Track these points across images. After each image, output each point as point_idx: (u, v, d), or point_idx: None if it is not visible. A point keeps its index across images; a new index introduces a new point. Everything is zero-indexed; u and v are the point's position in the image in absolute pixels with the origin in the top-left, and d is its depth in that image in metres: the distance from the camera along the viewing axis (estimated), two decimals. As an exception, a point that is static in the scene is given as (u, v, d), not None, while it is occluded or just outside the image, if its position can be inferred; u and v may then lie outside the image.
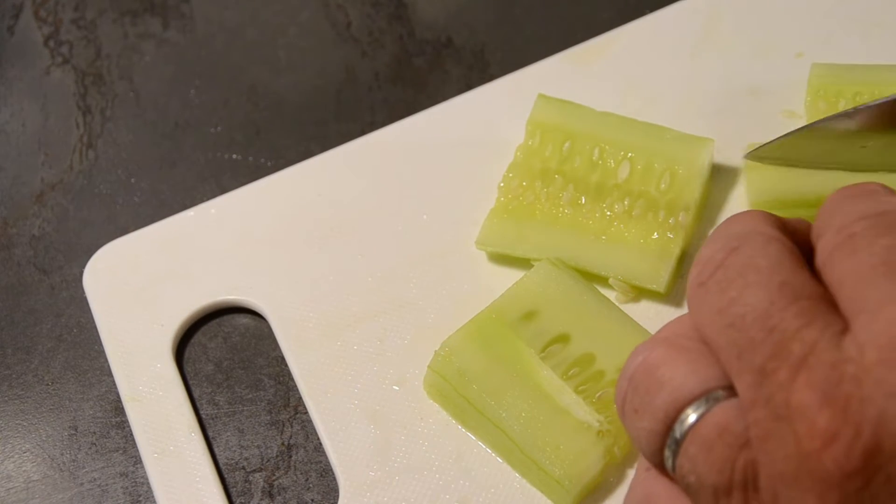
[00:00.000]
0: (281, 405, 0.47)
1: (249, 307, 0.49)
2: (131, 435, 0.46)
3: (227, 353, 0.49)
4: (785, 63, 0.54)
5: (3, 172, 0.56)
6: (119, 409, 0.48)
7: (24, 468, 0.47)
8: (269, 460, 0.46)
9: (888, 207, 0.32)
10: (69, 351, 0.50)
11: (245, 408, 0.47)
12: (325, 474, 0.45)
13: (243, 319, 0.49)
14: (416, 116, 0.54)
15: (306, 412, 0.46)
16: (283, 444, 0.46)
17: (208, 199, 0.52)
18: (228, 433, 0.46)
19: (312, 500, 0.45)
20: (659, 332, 0.35)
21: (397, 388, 0.46)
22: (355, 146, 0.53)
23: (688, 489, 0.32)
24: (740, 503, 0.30)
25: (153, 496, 0.44)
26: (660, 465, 0.33)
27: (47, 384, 0.49)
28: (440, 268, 0.49)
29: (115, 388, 0.47)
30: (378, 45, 0.59)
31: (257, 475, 0.45)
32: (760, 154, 0.49)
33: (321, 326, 0.47)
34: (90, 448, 0.47)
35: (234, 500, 0.45)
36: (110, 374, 0.48)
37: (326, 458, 0.45)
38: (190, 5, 0.62)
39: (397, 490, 0.43)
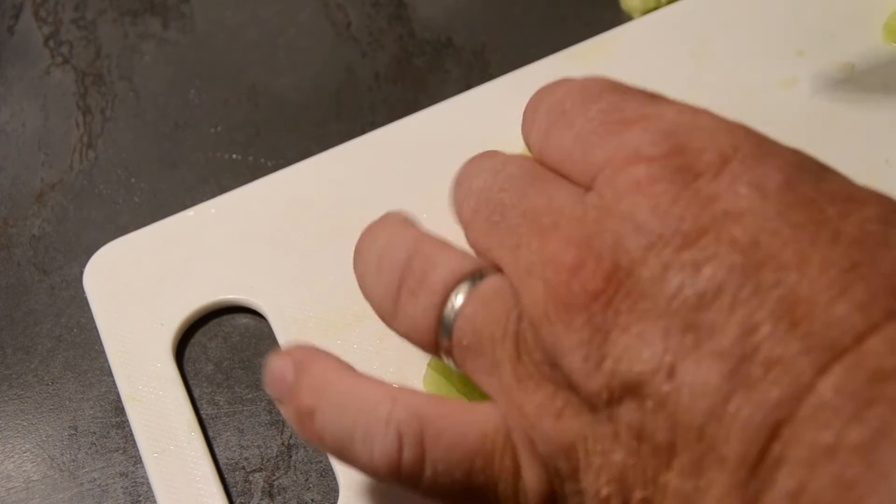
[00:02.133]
0: (281, 405, 0.47)
1: (249, 307, 0.49)
2: (131, 435, 0.46)
3: (227, 353, 0.49)
4: (785, 62, 0.54)
5: (3, 172, 0.56)
6: (119, 409, 0.48)
7: (24, 468, 0.47)
8: (269, 460, 0.46)
9: (587, 81, 0.35)
10: (69, 351, 0.50)
11: (245, 408, 0.47)
12: (325, 474, 0.45)
13: (243, 319, 0.49)
14: (416, 116, 0.54)
15: (306, 412, 0.46)
16: (283, 444, 0.46)
17: (208, 199, 0.52)
18: (228, 433, 0.46)
19: (312, 500, 0.45)
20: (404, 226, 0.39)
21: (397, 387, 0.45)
22: (355, 145, 0.53)
23: (464, 354, 0.34)
24: (512, 350, 0.32)
25: (153, 496, 0.44)
26: (430, 345, 0.35)
27: (47, 384, 0.49)
28: (440, 267, 0.49)
29: (115, 388, 0.47)
30: (378, 45, 0.59)
31: (257, 475, 0.45)
32: None
33: (321, 326, 0.47)
34: (90, 448, 0.47)
35: (234, 500, 0.45)
36: (110, 374, 0.48)
37: (326, 458, 0.45)
38: (190, 5, 0.62)
39: (397, 489, 0.43)
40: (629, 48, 0.55)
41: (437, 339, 0.35)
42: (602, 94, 0.34)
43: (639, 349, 0.28)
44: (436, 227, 0.51)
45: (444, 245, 0.37)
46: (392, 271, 0.36)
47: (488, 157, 0.38)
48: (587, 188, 0.32)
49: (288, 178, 0.52)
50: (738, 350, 0.27)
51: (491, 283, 0.34)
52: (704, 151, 0.31)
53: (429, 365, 0.44)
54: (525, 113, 0.38)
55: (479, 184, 0.36)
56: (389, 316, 0.37)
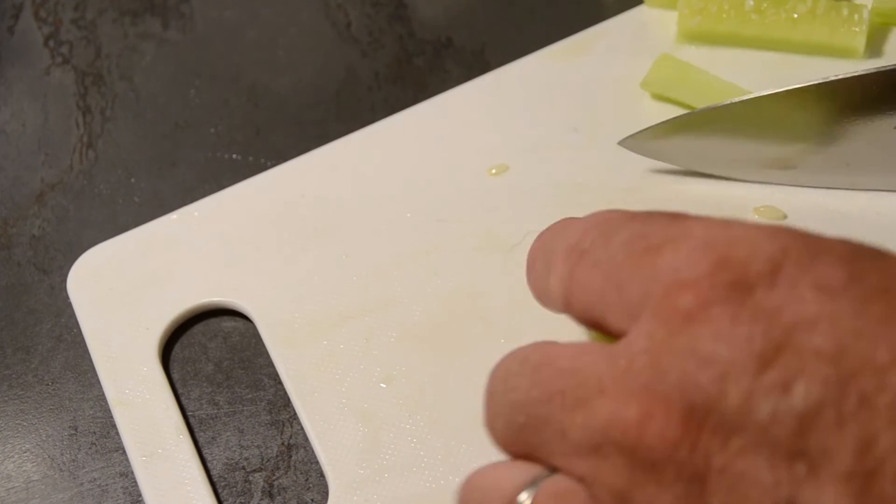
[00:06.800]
0: (281, 405, 0.47)
1: (234, 308, 0.49)
2: (130, 435, 0.46)
3: (227, 354, 0.49)
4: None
5: (3, 172, 0.56)
6: (118, 410, 0.48)
7: (24, 468, 0.47)
8: (269, 460, 0.46)
9: (598, 216, 0.32)
10: (69, 351, 0.50)
11: (245, 408, 0.47)
12: (325, 474, 0.45)
13: (230, 321, 0.49)
14: (409, 111, 0.54)
15: (305, 412, 0.46)
16: (283, 444, 0.46)
17: (208, 199, 0.52)
18: (228, 433, 0.46)
19: (312, 500, 0.45)
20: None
21: (384, 385, 0.45)
22: (335, 146, 0.53)
23: None
24: None
25: (148, 497, 0.44)
26: None
27: (47, 384, 0.49)
28: (424, 266, 0.48)
29: (114, 388, 0.48)
30: (378, 45, 0.59)
31: (257, 475, 0.45)
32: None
33: (307, 326, 0.47)
34: (90, 448, 0.47)
35: (230, 501, 0.45)
36: (109, 374, 0.48)
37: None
38: (190, 5, 0.62)
39: (386, 487, 0.43)
40: (627, 45, 0.55)
41: None
42: (621, 225, 0.31)
43: (746, 489, 0.26)
44: (418, 225, 0.50)
45: (495, 464, 0.33)
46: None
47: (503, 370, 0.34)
48: (624, 332, 0.30)
49: (270, 179, 0.52)
50: (861, 468, 0.25)
51: (549, 489, 0.30)
52: (751, 260, 0.28)
53: None
54: (531, 263, 0.35)
55: (489, 389, 0.33)
56: None
